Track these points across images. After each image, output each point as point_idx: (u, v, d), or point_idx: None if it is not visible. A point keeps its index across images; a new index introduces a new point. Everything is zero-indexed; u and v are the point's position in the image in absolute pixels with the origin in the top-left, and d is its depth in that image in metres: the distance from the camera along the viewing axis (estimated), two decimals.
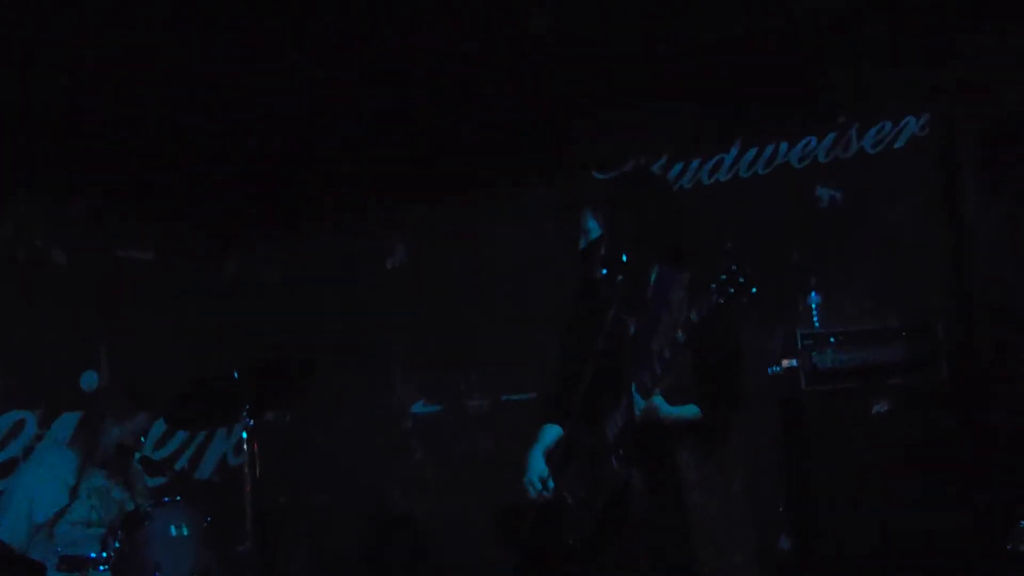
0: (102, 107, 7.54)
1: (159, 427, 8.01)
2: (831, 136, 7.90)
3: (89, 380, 7.61)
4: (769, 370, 7.09)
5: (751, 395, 5.09)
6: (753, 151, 8.11)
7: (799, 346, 6.87)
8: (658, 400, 4.83)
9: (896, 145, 7.74)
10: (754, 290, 4.60)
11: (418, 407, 9.06)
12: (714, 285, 4.60)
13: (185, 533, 6.01)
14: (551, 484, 4.97)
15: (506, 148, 8.57)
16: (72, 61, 6.97)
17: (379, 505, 8.84)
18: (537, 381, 8.28)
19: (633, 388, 4.77)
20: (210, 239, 9.13)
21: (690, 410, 4.91)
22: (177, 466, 8.44)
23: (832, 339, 6.87)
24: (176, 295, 8.68)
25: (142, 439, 6.73)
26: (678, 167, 8.30)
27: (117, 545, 5.84)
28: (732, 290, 4.59)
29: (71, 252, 8.22)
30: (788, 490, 7.09)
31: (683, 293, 4.93)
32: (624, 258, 4.85)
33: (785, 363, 6.93)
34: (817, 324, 7.19)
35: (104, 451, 6.47)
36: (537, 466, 5.05)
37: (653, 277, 5.02)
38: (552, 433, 5.19)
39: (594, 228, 5.09)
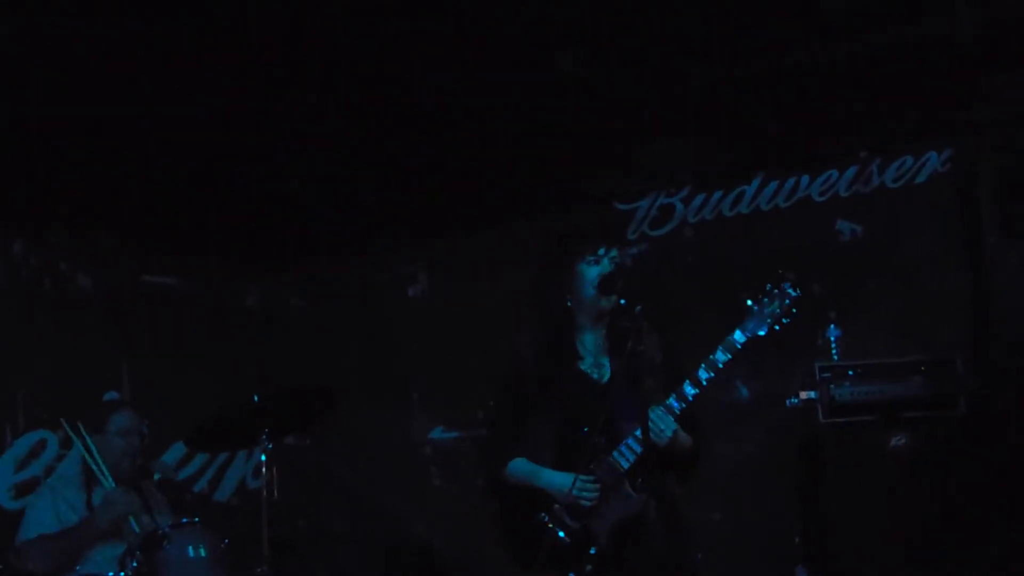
0: (130, 137, 7.61)
1: (179, 449, 8.06)
2: (852, 170, 7.91)
3: (112, 393, 7.66)
4: (787, 402, 7.09)
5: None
6: (774, 184, 8.12)
7: (818, 378, 6.88)
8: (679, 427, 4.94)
9: (917, 180, 7.75)
10: (795, 311, 4.76)
11: (437, 433, 9.08)
12: (756, 307, 4.76)
13: (203, 555, 5.99)
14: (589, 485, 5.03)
15: (529, 180, 8.61)
16: (103, 92, 7.05)
17: (396, 531, 8.86)
18: None
19: (661, 412, 4.86)
20: (234, 267, 9.19)
21: (688, 439, 5.12)
22: (196, 488, 8.49)
23: (851, 372, 6.87)
24: (199, 321, 8.74)
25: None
26: (699, 199, 8.33)
27: (135, 565, 5.84)
28: (777, 310, 4.75)
29: (96, 277, 8.29)
30: (804, 521, 7.09)
31: (656, 339, 5.20)
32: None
33: (804, 395, 6.93)
34: (836, 357, 7.18)
35: (116, 466, 6.51)
36: (574, 478, 5.06)
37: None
38: (529, 464, 5.25)
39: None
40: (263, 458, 6.08)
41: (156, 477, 6.47)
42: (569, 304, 5.28)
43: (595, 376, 5.20)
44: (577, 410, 5.09)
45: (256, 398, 6.04)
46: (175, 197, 8.31)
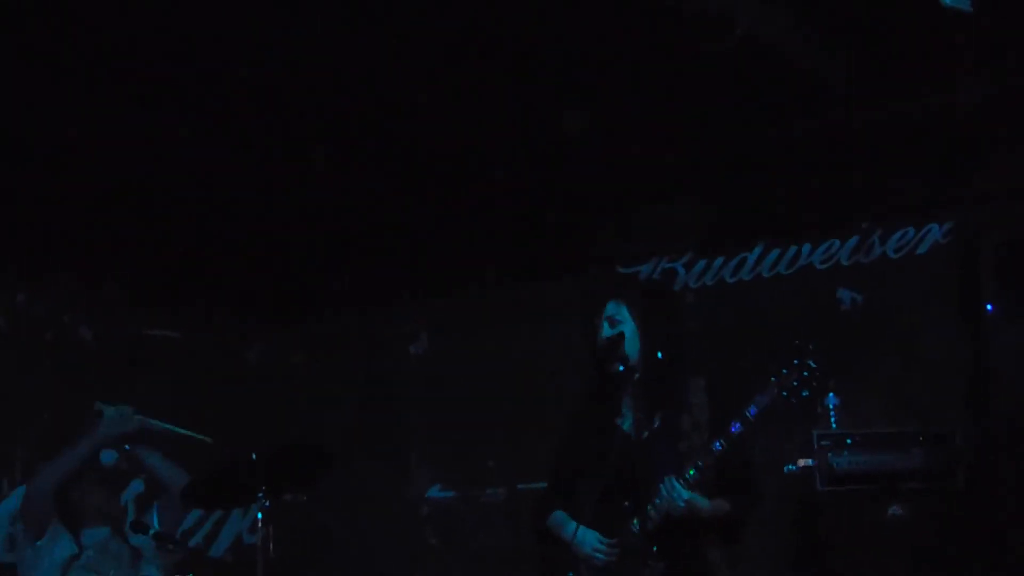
0: (134, 191, 7.65)
1: None
2: (854, 240, 7.95)
3: (108, 456, 7.65)
4: (785, 469, 7.08)
5: (766, 490, 5.20)
6: (776, 252, 8.16)
7: (816, 447, 6.87)
8: (695, 494, 4.90)
9: (918, 251, 7.78)
10: (815, 384, 4.75)
11: (434, 492, 9.07)
12: (774, 378, 4.75)
13: None
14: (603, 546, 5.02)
15: (532, 241, 8.65)
16: (106, 147, 7.11)
17: None
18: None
19: (672, 481, 4.84)
20: (236, 322, 9.21)
21: (721, 505, 5.01)
22: (191, 543, 8.45)
23: (849, 441, 6.86)
24: (200, 375, 8.75)
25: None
26: (701, 264, 8.36)
27: None
28: (796, 383, 4.73)
29: (98, 330, 8.31)
30: None
31: (703, 396, 5.05)
32: (660, 356, 5.01)
33: (801, 463, 6.93)
34: (835, 426, 7.18)
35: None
36: (592, 535, 5.06)
37: (674, 378, 5.12)
38: (566, 517, 5.23)
39: (627, 320, 5.16)
40: (259, 515, 6.07)
41: (151, 532, 6.45)
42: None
43: (634, 435, 5.17)
44: (613, 469, 5.06)
45: (254, 456, 6.03)
46: (177, 251, 8.35)
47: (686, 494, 4.87)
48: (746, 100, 7.22)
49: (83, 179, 7.39)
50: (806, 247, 8.08)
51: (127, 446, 6.53)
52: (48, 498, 6.44)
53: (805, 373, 4.86)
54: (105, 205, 7.68)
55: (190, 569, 6.43)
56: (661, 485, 4.88)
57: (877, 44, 6.78)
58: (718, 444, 4.87)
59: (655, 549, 4.94)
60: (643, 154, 7.87)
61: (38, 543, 6.43)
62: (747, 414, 4.85)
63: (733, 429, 4.86)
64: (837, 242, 7.98)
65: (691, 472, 4.88)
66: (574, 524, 5.10)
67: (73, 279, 8.11)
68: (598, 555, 5.01)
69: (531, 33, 6.40)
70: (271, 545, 6.11)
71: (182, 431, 6.89)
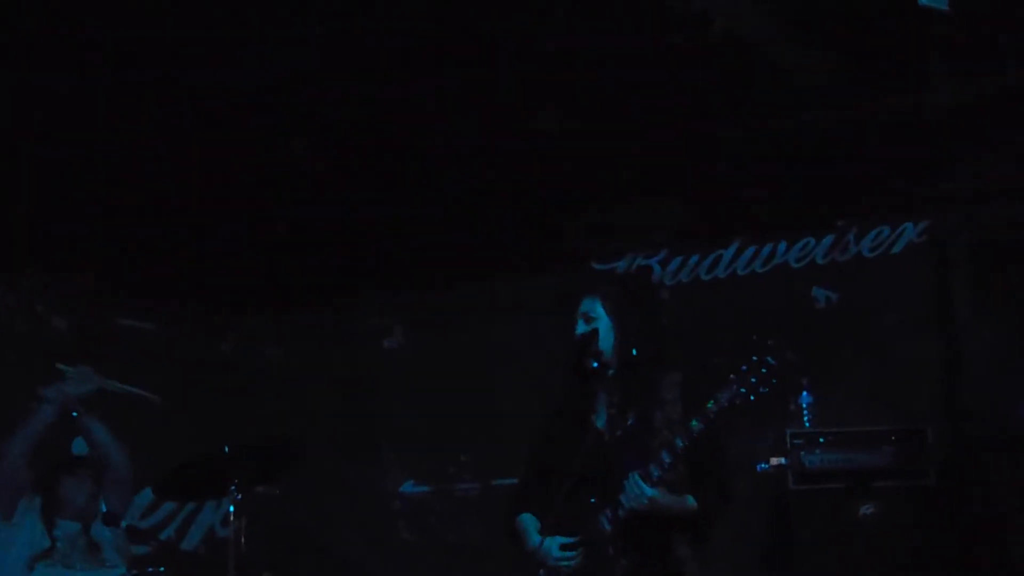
0: (107, 181, 7.62)
1: (147, 495, 8.03)
2: (829, 238, 7.97)
3: (80, 446, 7.63)
4: (757, 467, 7.09)
5: (739, 488, 5.19)
6: (752, 249, 8.18)
7: (788, 445, 6.89)
8: (659, 492, 4.88)
9: (893, 250, 7.80)
10: (774, 380, 4.73)
11: (407, 487, 9.06)
12: (733, 375, 4.73)
13: None
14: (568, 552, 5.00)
15: (507, 238, 8.64)
16: (80, 137, 7.07)
17: None
18: None
19: (637, 478, 4.83)
20: (210, 314, 9.18)
21: (687, 501, 4.98)
22: (163, 535, 8.43)
23: (821, 439, 6.88)
24: (174, 366, 8.71)
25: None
26: (677, 261, 8.37)
27: None
28: (754, 379, 4.71)
29: (71, 319, 8.27)
30: None
31: (677, 392, 5.02)
32: (635, 352, 5.01)
33: (774, 461, 6.94)
34: (807, 424, 7.20)
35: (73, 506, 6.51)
36: (555, 543, 5.01)
37: (649, 374, 5.10)
38: (533, 522, 5.20)
39: (601, 316, 5.15)
40: (232, 509, 6.05)
41: (124, 524, 6.44)
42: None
43: (608, 432, 5.11)
44: (585, 466, 5.04)
45: (226, 448, 6.02)
46: (152, 241, 8.30)
47: (649, 491, 4.85)
48: (723, 98, 7.23)
49: (57, 170, 7.36)
50: (782, 245, 8.10)
51: (75, 412, 6.51)
52: (20, 469, 6.43)
53: (764, 370, 4.83)
54: (79, 195, 7.65)
55: (162, 562, 6.41)
56: (626, 482, 4.87)
57: (854, 43, 6.80)
58: (680, 441, 4.86)
59: (622, 546, 4.93)
60: (619, 151, 7.86)
61: (11, 522, 6.42)
62: (707, 411, 4.84)
63: (693, 426, 4.85)
64: (812, 240, 8.01)
65: (654, 470, 4.87)
66: (538, 537, 5.08)
67: (46, 269, 8.06)
68: (562, 564, 4.99)
69: (507, 29, 6.39)
70: (243, 538, 6.09)
71: (138, 391, 6.88)
